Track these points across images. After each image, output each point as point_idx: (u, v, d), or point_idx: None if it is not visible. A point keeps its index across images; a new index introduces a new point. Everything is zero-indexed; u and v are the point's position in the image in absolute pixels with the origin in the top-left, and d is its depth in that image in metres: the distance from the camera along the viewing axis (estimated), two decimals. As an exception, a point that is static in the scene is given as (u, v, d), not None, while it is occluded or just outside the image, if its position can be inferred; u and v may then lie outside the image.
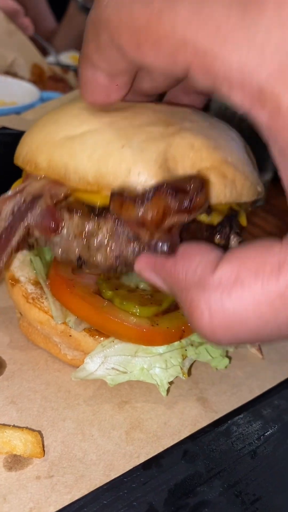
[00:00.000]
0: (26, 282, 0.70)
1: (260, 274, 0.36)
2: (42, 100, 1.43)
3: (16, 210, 0.50)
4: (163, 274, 0.44)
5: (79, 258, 0.53)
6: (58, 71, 1.79)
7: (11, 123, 1.06)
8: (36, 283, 0.70)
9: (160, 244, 0.41)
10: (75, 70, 1.91)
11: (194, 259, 0.41)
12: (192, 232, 0.52)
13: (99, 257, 0.52)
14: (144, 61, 0.40)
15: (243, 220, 0.64)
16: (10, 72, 1.72)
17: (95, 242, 0.52)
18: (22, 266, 0.72)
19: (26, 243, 0.54)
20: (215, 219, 0.55)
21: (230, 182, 0.52)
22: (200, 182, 0.44)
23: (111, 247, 0.51)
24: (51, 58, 2.10)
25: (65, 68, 1.87)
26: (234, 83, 0.34)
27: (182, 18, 0.36)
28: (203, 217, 0.53)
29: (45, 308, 0.66)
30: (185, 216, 0.43)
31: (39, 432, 0.58)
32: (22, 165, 0.58)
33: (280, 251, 0.36)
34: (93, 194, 0.52)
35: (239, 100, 0.35)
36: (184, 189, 0.43)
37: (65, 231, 0.53)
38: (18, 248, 0.52)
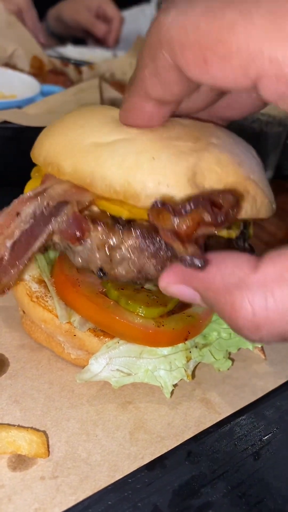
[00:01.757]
0: (30, 280, 0.69)
1: None
2: (42, 93, 1.41)
3: (38, 214, 0.49)
4: (195, 283, 0.43)
5: (101, 269, 0.53)
6: (58, 64, 1.77)
7: (12, 117, 1.05)
8: (40, 281, 0.69)
9: (194, 259, 0.41)
10: (75, 64, 1.89)
11: (228, 263, 0.41)
12: (211, 246, 0.51)
13: (120, 270, 0.51)
14: (207, 77, 0.40)
15: (251, 232, 0.65)
16: (10, 64, 1.70)
17: (118, 255, 0.51)
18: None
19: (44, 248, 0.53)
20: (234, 233, 0.55)
21: (251, 198, 0.52)
22: (235, 198, 0.44)
23: (133, 261, 0.51)
24: None
25: (65, 61, 1.85)
26: None
27: (258, 29, 0.35)
28: (223, 231, 0.54)
29: (50, 307, 0.65)
30: (214, 229, 0.43)
31: (44, 432, 0.58)
32: (42, 165, 0.57)
33: None
34: (118, 205, 0.51)
35: None
36: (219, 204, 0.43)
37: (88, 241, 0.52)
38: (37, 252, 0.51)
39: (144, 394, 0.66)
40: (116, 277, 0.52)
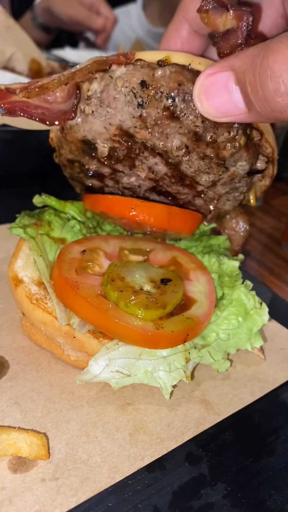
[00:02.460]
0: (29, 282, 0.70)
1: None
2: (41, 96, 1.41)
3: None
4: (231, 58, 0.48)
5: (143, 81, 0.59)
6: (57, 67, 1.78)
7: (11, 120, 1.06)
8: (40, 284, 0.70)
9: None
10: (73, 66, 1.89)
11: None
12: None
13: (163, 83, 0.59)
14: None
15: (253, 201, 0.71)
16: (8, 67, 1.70)
17: (159, 73, 0.59)
18: (26, 266, 0.72)
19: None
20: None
21: None
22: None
23: (173, 76, 0.58)
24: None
25: (64, 64, 1.86)
26: None
27: None
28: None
29: (49, 309, 0.66)
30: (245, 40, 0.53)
31: (44, 434, 0.58)
32: None
33: None
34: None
35: None
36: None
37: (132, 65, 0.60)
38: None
39: (143, 396, 0.66)
40: (158, 88, 0.59)
